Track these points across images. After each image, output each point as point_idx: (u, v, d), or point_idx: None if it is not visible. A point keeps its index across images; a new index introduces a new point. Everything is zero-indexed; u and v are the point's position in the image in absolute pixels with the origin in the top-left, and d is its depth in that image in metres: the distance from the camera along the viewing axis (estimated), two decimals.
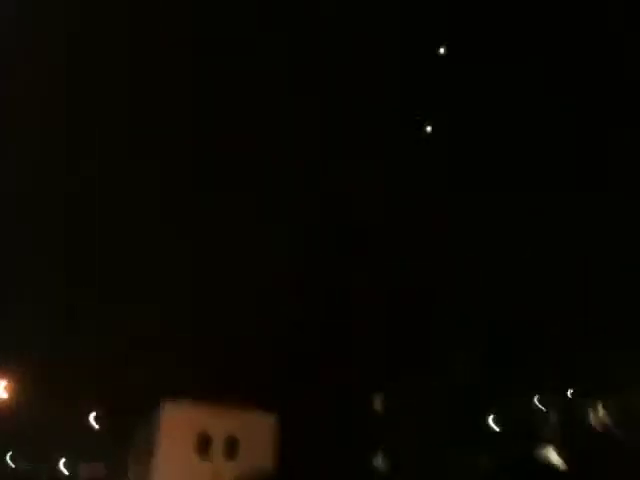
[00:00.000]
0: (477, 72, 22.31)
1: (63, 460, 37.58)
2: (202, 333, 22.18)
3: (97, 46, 21.64)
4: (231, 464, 15.67)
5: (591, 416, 21.89)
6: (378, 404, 25.18)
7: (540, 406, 23.43)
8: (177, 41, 21.84)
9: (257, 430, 15.93)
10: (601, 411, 21.53)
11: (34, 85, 20.83)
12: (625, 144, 20.88)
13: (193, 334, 24.79)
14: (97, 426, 37.60)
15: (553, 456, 20.99)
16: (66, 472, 37.55)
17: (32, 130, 21.68)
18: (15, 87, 20.69)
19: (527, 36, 21.86)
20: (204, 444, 15.64)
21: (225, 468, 15.57)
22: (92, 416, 37.72)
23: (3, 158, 21.51)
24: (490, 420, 22.96)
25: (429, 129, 24.09)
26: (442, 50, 23.39)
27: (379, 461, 23.83)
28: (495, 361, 22.59)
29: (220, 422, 15.82)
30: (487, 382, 22.38)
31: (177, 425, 15.77)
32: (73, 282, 26.31)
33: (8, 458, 36.14)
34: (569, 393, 22.95)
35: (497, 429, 22.93)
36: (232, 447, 15.79)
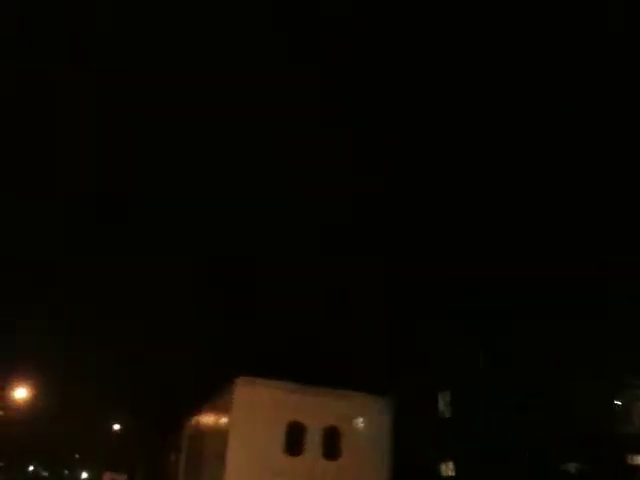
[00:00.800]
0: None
1: (85, 470, 34.70)
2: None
3: None
4: (331, 462, 12.11)
5: None
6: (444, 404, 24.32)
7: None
8: None
9: (364, 419, 12.35)
10: None
11: None
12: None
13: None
14: (120, 432, 34.74)
15: None
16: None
17: None
18: None
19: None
20: (296, 437, 12.02)
21: (324, 467, 12.01)
22: (115, 425, 34.89)
23: None
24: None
25: None
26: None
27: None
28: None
29: (316, 408, 12.25)
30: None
31: (256, 412, 12.07)
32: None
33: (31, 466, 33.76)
34: None
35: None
36: (332, 440, 12.18)
